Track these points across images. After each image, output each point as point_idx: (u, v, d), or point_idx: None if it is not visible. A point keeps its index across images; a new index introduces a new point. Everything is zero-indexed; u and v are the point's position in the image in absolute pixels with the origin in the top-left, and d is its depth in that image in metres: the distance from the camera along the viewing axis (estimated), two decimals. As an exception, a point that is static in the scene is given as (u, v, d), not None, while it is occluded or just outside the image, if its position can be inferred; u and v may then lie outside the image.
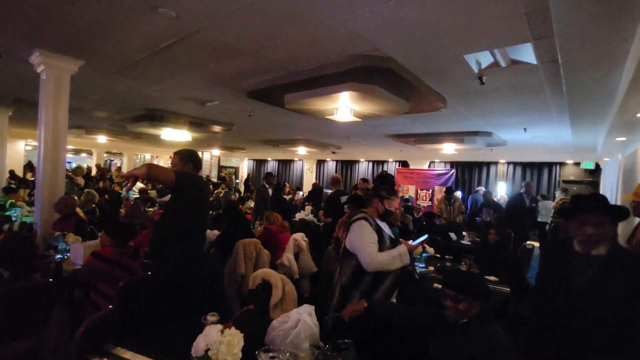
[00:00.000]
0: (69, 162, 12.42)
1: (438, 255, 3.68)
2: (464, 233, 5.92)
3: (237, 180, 16.49)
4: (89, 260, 2.23)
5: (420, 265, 3.23)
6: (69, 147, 14.45)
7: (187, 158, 2.18)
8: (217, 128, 7.61)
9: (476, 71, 3.38)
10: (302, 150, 10.92)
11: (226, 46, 3.11)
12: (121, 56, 3.60)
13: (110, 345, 1.59)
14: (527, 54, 3.01)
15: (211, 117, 6.94)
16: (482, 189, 8.85)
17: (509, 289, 2.82)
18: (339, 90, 3.72)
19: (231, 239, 3.56)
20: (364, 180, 6.83)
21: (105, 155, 16.47)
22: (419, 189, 11.21)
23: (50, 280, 2.07)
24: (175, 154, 2.23)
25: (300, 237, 4.03)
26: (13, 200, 5.18)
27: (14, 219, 4.56)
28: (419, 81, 3.73)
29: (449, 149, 7.86)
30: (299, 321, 1.61)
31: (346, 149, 11.71)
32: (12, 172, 8.77)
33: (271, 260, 3.85)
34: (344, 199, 4.60)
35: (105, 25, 2.88)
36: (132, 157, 16.10)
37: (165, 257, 1.91)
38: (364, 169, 13.53)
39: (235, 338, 1.24)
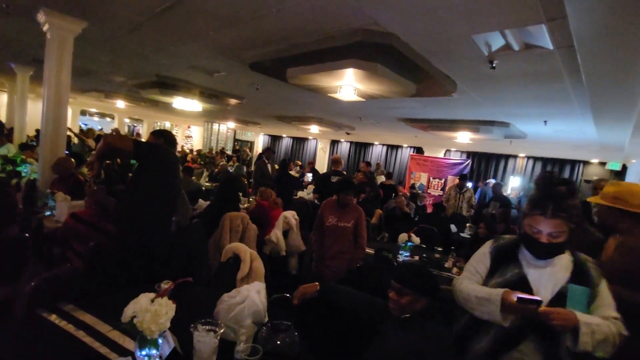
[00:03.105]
0: (84, 124, 12.83)
1: (424, 246, 3.57)
2: (468, 225, 5.74)
3: (251, 155, 16.59)
4: (66, 220, 2.29)
5: (405, 254, 3.15)
6: (92, 110, 14.93)
7: (158, 134, 2.24)
8: (227, 100, 7.59)
9: (486, 54, 3.13)
10: (314, 128, 10.77)
11: (221, 13, 3.00)
12: (122, 19, 3.56)
13: (64, 303, 1.63)
14: (542, 37, 2.75)
15: (221, 88, 6.90)
16: (492, 181, 8.51)
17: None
18: (340, 67, 3.58)
19: (220, 211, 3.57)
20: (368, 163, 6.69)
21: (128, 120, 16.90)
22: (431, 177, 10.91)
23: (27, 235, 2.14)
24: (150, 133, 2.31)
25: (290, 215, 4.01)
26: (24, 157, 5.40)
27: (23, 174, 4.76)
28: (426, 62, 3.51)
29: (464, 137, 7.54)
30: (247, 297, 1.59)
31: (360, 130, 11.48)
32: (38, 131, 9.13)
33: (261, 236, 3.87)
34: (335, 178, 4.53)
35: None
36: (151, 124, 16.44)
37: (127, 224, 1.93)
38: (377, 152, 13.27)
39: (163, 308, 1.22)
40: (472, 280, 1.40)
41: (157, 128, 17.33)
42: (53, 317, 1.53)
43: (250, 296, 1.57)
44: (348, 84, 4.11)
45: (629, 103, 3.68)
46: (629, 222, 1.75)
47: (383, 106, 6.20)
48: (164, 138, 2.23)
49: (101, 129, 13.98)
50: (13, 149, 6.48)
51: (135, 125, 18.67)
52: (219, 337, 1.35)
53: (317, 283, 1.67)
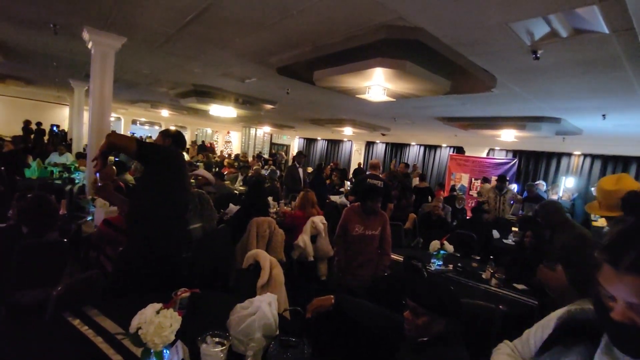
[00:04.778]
0: (133, 133, 13.82)
1: (458, 255, 3.30)
2: (514, 229, 5.27)
3: (286, 158, 16.82)
4: (99, 226, 2.41)
5: (437, 263, 2.94)
6: (141, 119, 16.09)
7: (167, 135, 2.22)
8: (261, 105, 7.74)
9: (528, 43, 2.83)
10: (348, 130, 10.65)
11: (243, 19, 3.03)
12: (155, 32, 3.73)
13: (88, 307, 1.69)
14: (595, 20, 2.42)
15: (253, 94, 7.05)
16: (541, 182, 7.78)
17: (537, 302, 2.43)
18: (367, 67, 3.46)
19: (247, 216, 3.60)
20: (406, 165, 6.43)
21: (173, 127, 17.98)
22: (473, 179, 10.28)
23: (65, 240, 2.27)
24: (159, 133, 2.30)
25: (319, 220, 3.95)
26: (77, 164, 5.89)
27: (77, 181, 5.18)
28: (459, 56, 3.27)
29: (509, 135, 6.99)
30: (259, 309, 1.54)
31: (395, 130, 11.16)
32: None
33: (291, 241, 3.85)
34: (372, 182, 4.37)
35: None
36: (194, 130, 17.34)
37: (134, 227, 1.94)
38: (414, 153, 12.79)
39: (168, 320, 1.20)
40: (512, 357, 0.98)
41: (199, 134, 18.29)
42: (77, 322, 1.58)
43: (262, 308, 1.52)
44: (376, 84, 3.96)
45: None
46: None
47: (417, 105, 5.93)
48: (172, 138, 2.21)
49: (150, 136, 14.97)
50: (71, 157, 7.13)
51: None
52: (225, 352, 1.31)
53: (331, 296, 1.58)
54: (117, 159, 5.87)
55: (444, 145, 11.85)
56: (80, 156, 6.90)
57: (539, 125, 6.05)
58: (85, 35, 3.91)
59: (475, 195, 9.65)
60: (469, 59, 3.35)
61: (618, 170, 8.62)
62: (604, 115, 5.12)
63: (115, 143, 1.83)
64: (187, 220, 2.46)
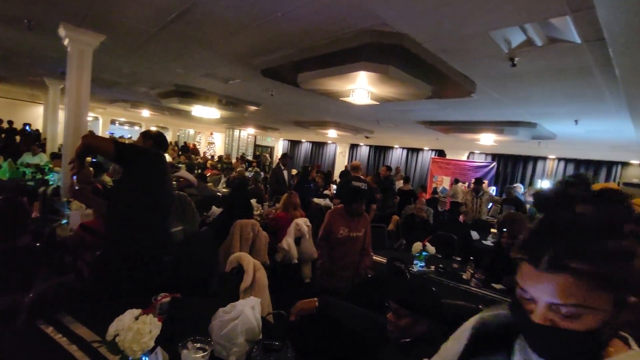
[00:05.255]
0: (111, 133, 13.42)
1: (440, 256, 3.37)
2: (493, 230, 5.42)
3: (270, 160, 16.73)
4: (76, 230, 2.32)
5: (419, 265, 2.99)
6: (121, 119, 15.63)
7: (148, 136, 2.16)
8: (245, 107, 7.67)
9: (506, 51, 2.93)
10: (332, 133, 10.70)
11: (228, 20, 3.00)
12: (136, 30, 3.64)
13: (63, 314, 1.62)
14: (567, 30, 2.53)
15: (237, 95, 6.98)
16: (519, 185, 8.06)
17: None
18: (351, 70, 3.49)
19: (231, 218, 3.55)
20: (388, 167, 6.51)
21: (154, 128, 17.54)
22: (454, 181, 10.53)
23: (38, 244, 2.18)
24: (140, 133, 2.23)
25: (302, 222, 3.94)
26: (51, 165, 5.66)
27: (51, 182, 4.98)
28: (441, 62, 3.35)
29: (488, 139, 7.21)
30: (241, 313, 1.52)
31: (379, 134, 11.29)
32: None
33: (275, 243, 3.82)
34: (356, 184, 4.41)
35: (112, -3, 2.90)
36: (175, 132, 16.97)
37: (113, 230, 1.89)
38: (397, 155, 12.98)
39: (147, 326, 1.17)
40: None
41: (181, 135, 17.93)
42: (50, 330, 1.52)
43: (245, 312, 1.50)
44: (360, 88, 4.01)
45: (671, 99, 3.35)
46: None
47: (400, 109, 6.03)
48: (154, 140, 2.15)
49: (130, 137, 14.57)
50: (45, 158, 6.83)
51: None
52: (207, 358, 1.29)
53: (315, 299, 1.58)
54: (94, 160, 5.68)
55: (426, 148, 12.08)
56: (55, 156, 6.63)
57: (516, 129, 6.26)
58: (62, 31, 3.77)
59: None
60: (450, 65, 3.44)
61: (590, 174, 9.02)
62: (576, 121, 5.35)
63: (92, 145, 1.77)
64: (169, 223, 2.40)
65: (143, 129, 15.79)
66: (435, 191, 9.40)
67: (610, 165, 8.74)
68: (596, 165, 8.87)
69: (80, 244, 2.32)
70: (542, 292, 0.56)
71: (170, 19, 3.17)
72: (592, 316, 0.54)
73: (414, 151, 12.59)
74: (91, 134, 1.91)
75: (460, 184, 9.02)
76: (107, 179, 4.66)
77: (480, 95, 4.36)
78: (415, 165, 12.51)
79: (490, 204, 6.39)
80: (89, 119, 15.49)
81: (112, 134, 13.34)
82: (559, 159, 9.43)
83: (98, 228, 2.34)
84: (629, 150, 7.59)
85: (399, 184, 7.47)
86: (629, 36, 2.16)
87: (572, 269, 0.54)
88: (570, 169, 9.20)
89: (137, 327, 1.17)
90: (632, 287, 0.56)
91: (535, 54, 2.93)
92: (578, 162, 9.13)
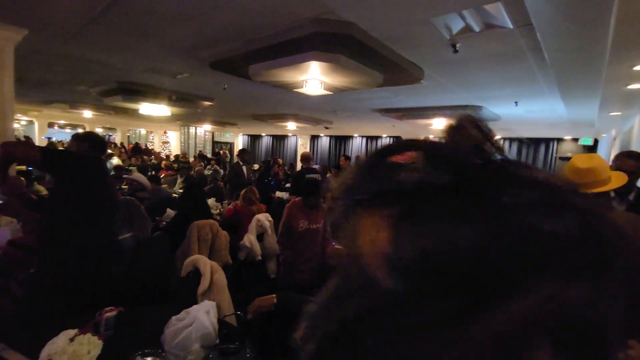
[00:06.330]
0: (49, 138, 12.26)
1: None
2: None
3: (230, 157, 16.28)
4: (5, 249, 2.09)
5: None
6: (60, 122, 14.31)
7: (83, 139, 1.97)
8: (197, 102, 7.34)
9: (448, 37, 3.04)
10: (291, 125, 10.61)
11: (167, 9, 2.81)
12: (62, 24, 3.31)
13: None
14: (500, 16, 2.67)
15: (187, 90, 6.65)
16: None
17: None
18: (302, 60, 3.45)
19: (187, 220, 3.40)
20: (347, 157, 6.59)
21: (101, 130, 16.26)
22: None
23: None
24: (71, 137, 2.04)
25: (264, 217, 3.87)
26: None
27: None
28: (389, 50, 3.41)
29: (440, 124, 7.53)
30: (195, 319, 1.45)
31: (338, 124, 11.37)
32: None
33: (236, 241, 3.73)
34: (310, 176, 4.40)
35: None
36: (125, 132, 15.89)
37: (53, 247, 1.72)
38: (357, 144, 13.22)
39: (84, 347, 1.08)
40: None
41: (131, 135, 16.83)
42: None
43: (199, 318, 1.44)
44: (313, 78, 3.98)
45: (593, 78, 3.68)
46: None
47: (355, 98, 6.09)
48: (89, 143, 1.97)
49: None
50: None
51: (111, 134, 18.03)
52: (158, 370, 1.22)
53: (274, 295, 1.55)
54: (29, 169, 5.15)
55: (384, 135, 12.40)
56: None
57: (463, 113, 6.59)
58: (-27, 26, 3.33)
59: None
60: (398, 52, 3.50)
61: (531, 150, 9.80)
62: (516, 103, 5.74)
63: (13, 154, 1.58)
64: (115, 231, 2.24)
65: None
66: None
67: (547, 141, 9.55)
68: (536, 142, 9.65)
69: (10, 263, 2.09)
70: None
71: (100, 10, 2.91)
72: None
73: (372, 139, 12.87)
74: (10, 142, 1.69)
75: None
76: (40, 188, 4.26)
77: (429, 82, 4.52)
78: (375, 152, 12.81)
79: None
80: (22, 122, 13.98)
81: (50, 138, 12.17)
82: (504, 139, 10.13)
83: (28, 243, 2.13)
84: (563, 127, 8.32)
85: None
86: (555, 21, 2.32)
87: None
88: (514, 148, 9.92)
89: (72, 349, 1.08)
90: None
91: (474, 40, 3.07)
92: (520, 141, 9.87)
